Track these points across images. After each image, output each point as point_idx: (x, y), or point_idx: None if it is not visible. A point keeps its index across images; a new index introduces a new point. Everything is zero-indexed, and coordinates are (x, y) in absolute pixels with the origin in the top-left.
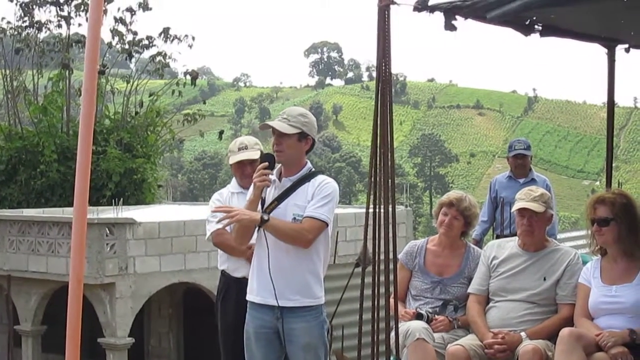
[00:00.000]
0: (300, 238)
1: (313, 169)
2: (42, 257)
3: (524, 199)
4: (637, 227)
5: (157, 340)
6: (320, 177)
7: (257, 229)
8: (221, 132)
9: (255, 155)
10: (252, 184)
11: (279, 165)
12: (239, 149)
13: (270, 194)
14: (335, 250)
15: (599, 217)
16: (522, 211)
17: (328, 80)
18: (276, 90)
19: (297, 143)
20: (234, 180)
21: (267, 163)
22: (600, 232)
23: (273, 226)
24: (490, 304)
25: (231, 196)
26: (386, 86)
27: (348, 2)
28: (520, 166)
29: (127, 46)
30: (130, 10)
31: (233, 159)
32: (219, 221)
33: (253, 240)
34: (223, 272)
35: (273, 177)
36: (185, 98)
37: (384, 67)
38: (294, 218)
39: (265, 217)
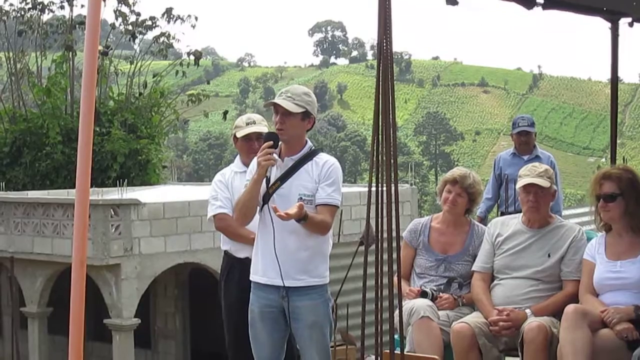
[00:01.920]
0: (325, 227)
1: (313, 147)
2: (47, 238)
3: (529, 174)
4: None
5: (164, 321)
6: (323, 157)
7: (260, 210)
8: (226, 113)
9: (263, 129)
10: (257, 163)
11: (279, 143)
12: (247, 124)
13: (273, 174)
14: (340, 229)
15: (605, 192)
16: (528, 187)
17: (332, 60)
18: (280, 70)
19: (300, 122)
20: (237, 159)
21: (271, 142)
22: (607, 208)
23: (309, 222)
24: (495, 282)
25: (234, 176)
26: (387, 62)
27: None
28: (525, 143)
29: (130, 27)
30: None
31: (241, 133)
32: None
33: (254, 229)
34: (226, 253)
35: (276, 155)
36: (189, 78)
37: (385, 44)
38: (300, 197)
39: (304, 221)
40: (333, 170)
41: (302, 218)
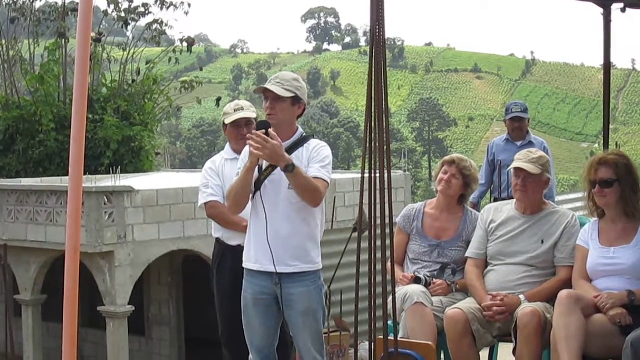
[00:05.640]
0: (316, 195)
1: (304, 134)
2: (40, 226)
3: (522, 159)
4: (637, 188)
5: (157, 308)
6: (314, 142)
7: (252, 197)
8: (219, 99)
9: (252, 115)
10: (249, 152)
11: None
12: (235, 110)
13: (265, 161)
14: (333, 216)
15: (601, 178)
16: (517, 171)
17: (325, 46)
18: (274, 57)
19: (290, 107)
20: (227, 146)
21: (263, 130)
22: (603, 194)
23: (297, 176)
24: (489, 268)
25: (225, 163)
26: (380, 49)
27: None
28: (518, 129)
29: (123, 14)
30: None
31: (229, 119)
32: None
33: (246, 216)
34: (218, 240)
35: None
36: (183, 65)
37: (377, 30)
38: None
39: (291, 168)
40: (322, 151)
41: (289, 165)
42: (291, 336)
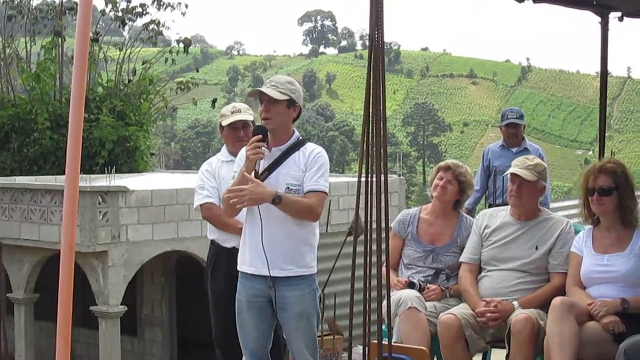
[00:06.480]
0: (311, 213)
1: (301, 137)
2: (34, 224)
3: (518, 165)
4: (634, 195)
5: (150, 308)
6: (310, 146)
7: None
8: (214, 100)
9: (249, 117)
10: (245, 157)
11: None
12: (232, 113)
13: (261, 164)
14: (328, 219)
15: (600, 186)
16: (513, 177)
17: (322, 49)
18: (270, 59)
19: (285, 110)
20: (224, 148)
21: (260, 135)
22: (601, 202)
23: (286, 205)
24: (482, 273)
25: (221, 165)
26: (379, 54)
27: None
28: (513, 135)
29: (120, 14)
30: None
31: (227, 121)
32: (231, 199)
33: (241, 218)
34: (213, 242)
35: (265, 149)
36: (179, 66)
37: (376, 35)
38: (287, 187)
39: (277, 200)
40: (319, 158)
41: (275, 198)
42: (284, 339)
